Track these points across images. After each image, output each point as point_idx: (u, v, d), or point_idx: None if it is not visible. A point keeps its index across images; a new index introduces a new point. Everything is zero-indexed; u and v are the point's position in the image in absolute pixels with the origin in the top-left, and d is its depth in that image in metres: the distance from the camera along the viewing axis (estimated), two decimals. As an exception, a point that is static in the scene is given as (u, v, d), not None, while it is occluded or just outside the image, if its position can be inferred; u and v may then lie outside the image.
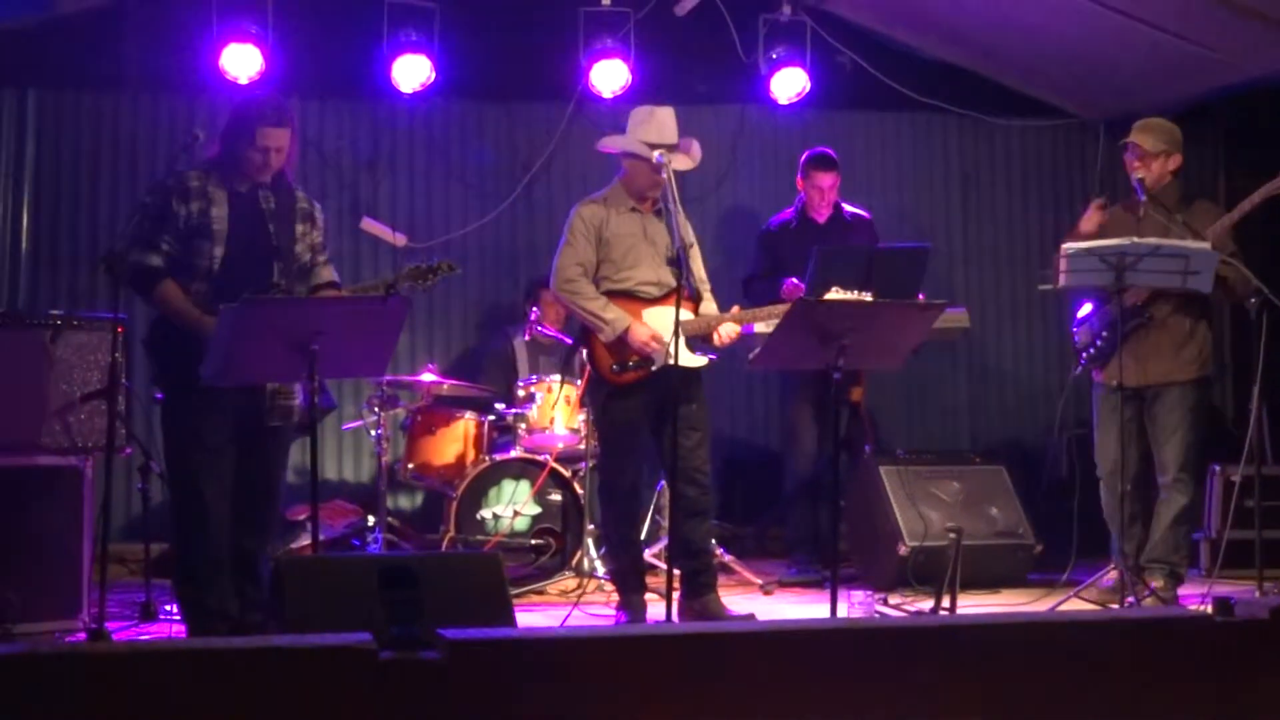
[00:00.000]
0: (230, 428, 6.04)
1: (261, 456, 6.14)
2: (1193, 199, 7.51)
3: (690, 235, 7.01)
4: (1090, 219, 7.33)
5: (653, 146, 6.75)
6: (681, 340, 6.59)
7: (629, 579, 6.89)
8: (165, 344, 6.04)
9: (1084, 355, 7.40)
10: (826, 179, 8.63)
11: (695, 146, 6.91)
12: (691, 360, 6.72)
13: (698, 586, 6.83)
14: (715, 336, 6.81)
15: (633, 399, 6.72)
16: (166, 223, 5.97)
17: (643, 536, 7.40)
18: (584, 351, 6.93)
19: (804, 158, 8.76)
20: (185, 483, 6.07)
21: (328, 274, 6.31)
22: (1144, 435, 7.30)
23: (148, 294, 5.99)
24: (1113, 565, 6.93)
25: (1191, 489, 7.33)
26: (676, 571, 6.64)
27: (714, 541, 7.42)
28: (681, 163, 6.82)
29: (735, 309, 6.93)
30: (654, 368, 6.63)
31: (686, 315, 6.70)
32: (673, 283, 6.72)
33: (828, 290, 6.69)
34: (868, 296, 6.53)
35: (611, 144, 6.97)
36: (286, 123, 6.09)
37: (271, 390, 6.05)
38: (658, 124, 6.83)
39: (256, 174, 6.07)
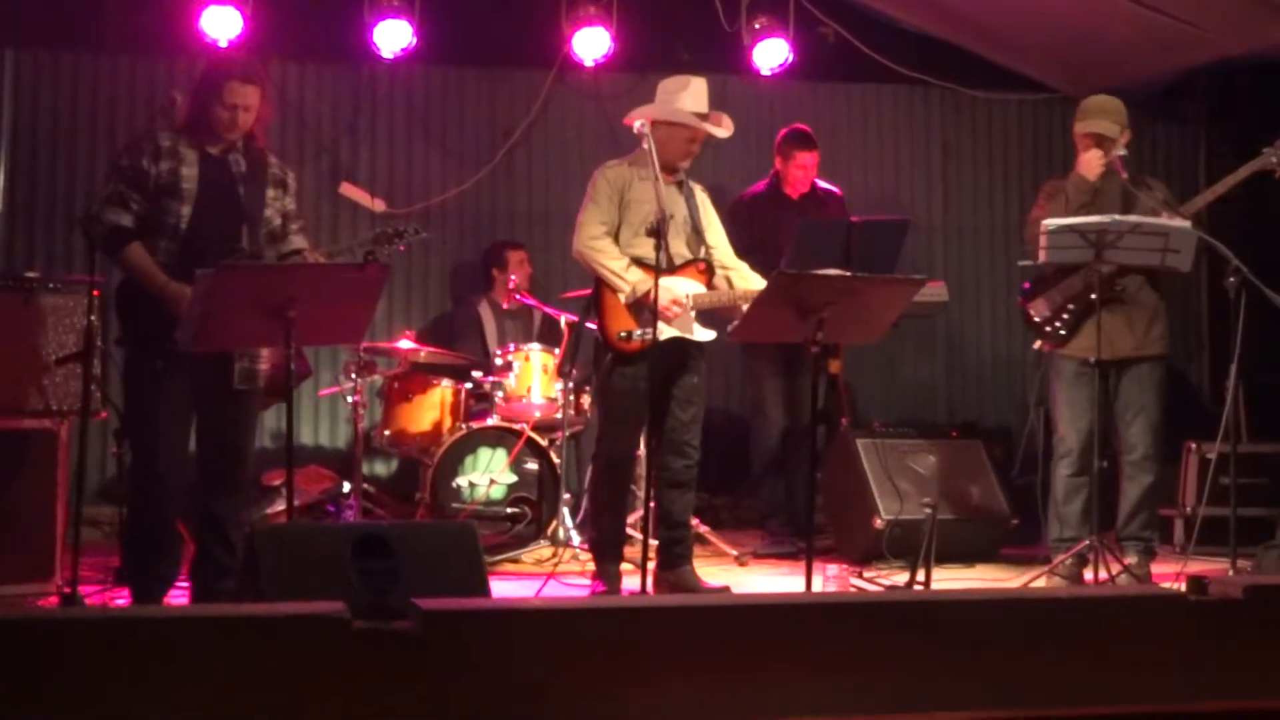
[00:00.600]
0: (193, 390, 6.01)
1: (226, 420, 6.12)
2: (1143, 175, 7.53)
3: (712, 216, 6.98)
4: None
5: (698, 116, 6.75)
6: (694, 313, 6.64)
7: (608, 549, 6.86)
8: (131, 302, 6.01)
9: (1047, 329, 7.37)
10: (809, 158, 8.62)
11: (726, 118, 6.87)
12: (699, 334, 6.69)
13: (673, 557, 6.83)
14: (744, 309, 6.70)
15: (637, 367, 6.61)
16: (138, 182, 5.95)
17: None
18: (595, 315, 6.82)
19: (783, 135, 8.73)
20: (141, 443, 6.08)
21: (299, 241, 6.26)
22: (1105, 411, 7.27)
23: (115, 254, 5.96)
24: (1086, 541, 6.92)
25: (1159, 466, 7.34)
26: (653, 542, 6.63)
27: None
28: (723, 131, 6.82)
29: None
30: (662, 338, 6.53)
31: (700, 288, 6.71)
32: (688, 254, 6.76)
33: (809, 265, 6.68)
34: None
35: (647, 112, 6.81)
36: (255, 81, 6.05)
37: (238, 352, 6.02)
38: (694, 93, 6.79)
39: (225, 132, 6.03)
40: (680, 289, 6.63)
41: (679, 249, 6.75)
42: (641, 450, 7.32)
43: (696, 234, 6.85)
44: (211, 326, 5.54)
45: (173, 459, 6.04)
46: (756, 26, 9.56)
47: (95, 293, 6.07)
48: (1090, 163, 7.14)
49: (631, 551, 7.31)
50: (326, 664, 3.93)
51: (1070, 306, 7.24)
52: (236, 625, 4.01)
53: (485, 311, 9.13)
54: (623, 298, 6.61)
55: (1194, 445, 8.60)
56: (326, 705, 3.90)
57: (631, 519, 7.83)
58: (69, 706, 3.74)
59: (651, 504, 6.53)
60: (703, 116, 6.77)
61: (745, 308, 6.50)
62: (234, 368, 6.01)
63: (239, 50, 8.41)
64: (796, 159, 8.61)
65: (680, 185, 6.86)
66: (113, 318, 6.19)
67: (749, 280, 6.85)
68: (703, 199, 6.96)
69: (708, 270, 6.82)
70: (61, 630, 3.90)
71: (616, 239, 6.72)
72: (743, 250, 8.22)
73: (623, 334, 6.60)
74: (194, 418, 6.10)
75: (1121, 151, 7.08)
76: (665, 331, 6.55)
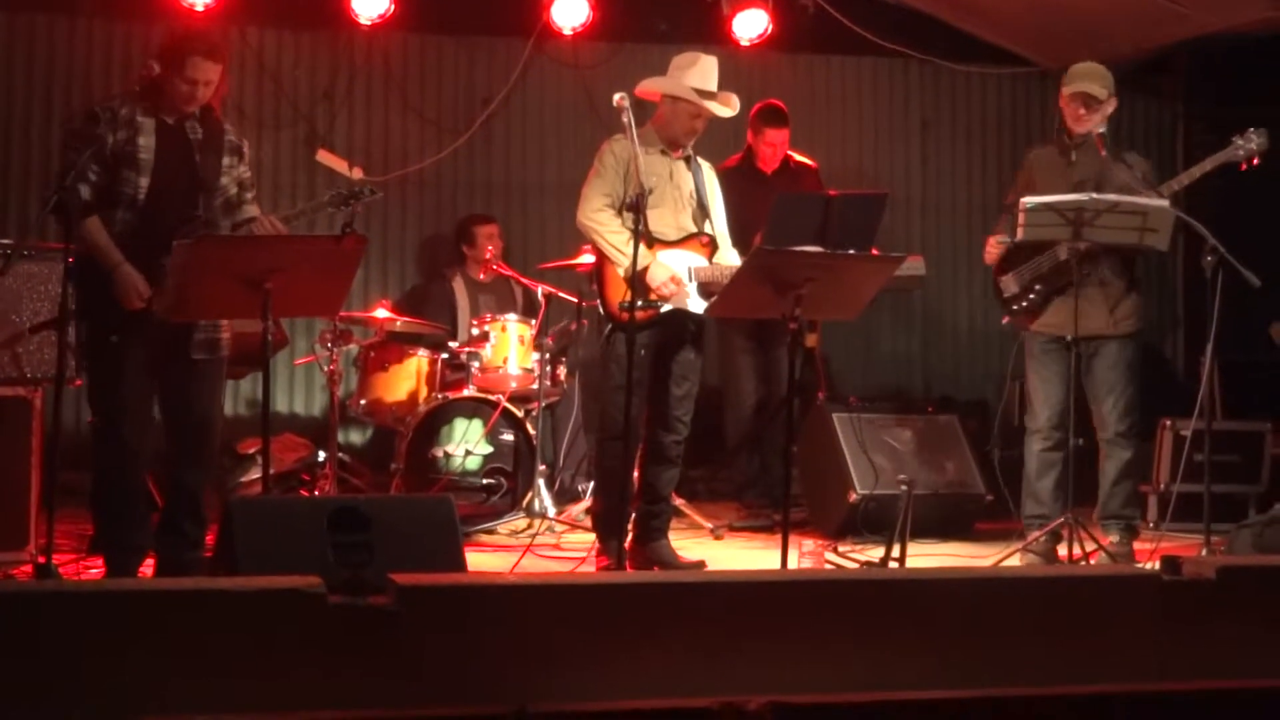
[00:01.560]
0: (155, 359, 6.00)
1: (189, 390, 6.10)
2: (1122, 150, 7.54)
3: (717, 193, 6.96)
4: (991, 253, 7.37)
5: (701, 93, 6.71)
6: (694, 285, 6.62)
7: (612, 523, 6.67)
8: (88, 276, 5.96)
9: (1015, 306, 7.40)
10: (779, 135, 8.60)
11: (734, 99, 6.85)
12: (699, 307, 6.66)
13: (650, 531, 6.81)
14: None
15: (638, 337, 6.47)
16: (96, 153, 5.90)
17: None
18: (596, 286, 6.80)
19: (756, 110, 8.69)
20: (104, 414, 6.07)
21: (252, 210, 6.22)
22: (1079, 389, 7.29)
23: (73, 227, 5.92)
24: (1061, 519, 6.94)
25: (1134, 443, 7.36)
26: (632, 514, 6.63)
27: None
28: (726, 111, 6.80)
29: None
30: (664, 309, 6.54)
31: (703, 262, 6.71)
32: (692, 227, 6.75)
33: (786, 239, 6.66)
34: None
35: (653, 85, 6.81)
36: (219, 58, 6.01)
37: (197, 323, 6.01)
38: (702, 71, 6.76)
39: (183, 104, 5.99)
40: (681, 263, 6.62)
41: (683, 223, 6.76)
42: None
43: (702, 209, 6.84)
44: (188, 297, 5.53)
45: (136, 429, 6.03)
46: (736, -4, 9.53)
47: (70, 259, 6.02)
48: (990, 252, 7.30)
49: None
50: (302, 638, 3.93)
51: (1037, 286, 7.26)
52: (211, 599, 4.00)
53: (459, 286, 9.10)
54: (622, 272, 6.55)
55: (1169, 422, 8.63)
56: (302, 679, 3.91)
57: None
58: (41, 680, 3.73)
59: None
60: (709, 95, 6.74)
61: None
62: (192, 338, 5.99)
63: (203, 23, 8.36)
64: (766, 136, 8.59)
65: (688, 161, 6.86)
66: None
67: (725, 254, 6.85)
68: (710, 176, 6.95)
69: (711, 244, 6.81)
70: (33, 603, 3.90)
71: (620, 212, 6.67)
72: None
73: (624, 304, 6.55)
74: (156, 387, 6.08)
75: (1101, 129, 7.08)
76: (665, 304, 6.58)
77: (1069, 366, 7.06)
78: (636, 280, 6.41)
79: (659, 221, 6.66)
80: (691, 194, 6.81)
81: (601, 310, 6.75)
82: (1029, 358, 7.39)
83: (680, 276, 6.60)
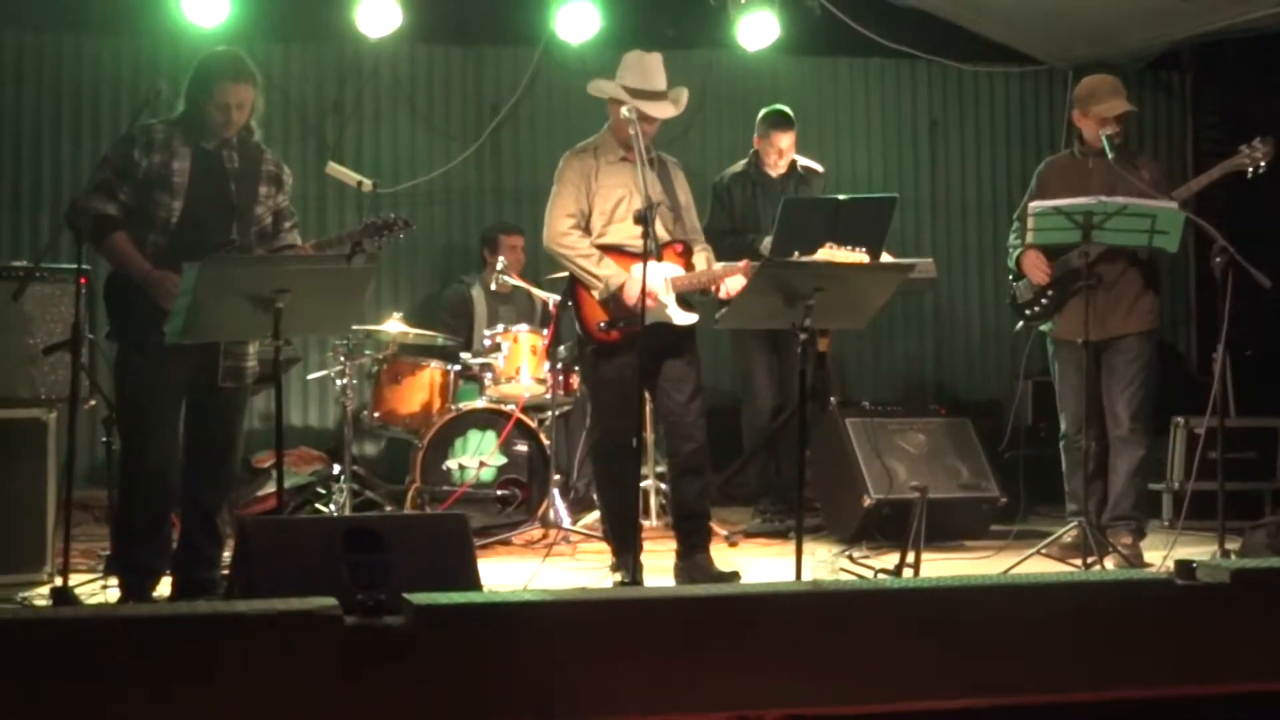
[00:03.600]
0: (183, 384, 6.04)
1: (215, 414, 6.15)
2: (1136, 153, 7.55)
3: (685, 191, 6.85)
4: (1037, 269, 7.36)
5: (635, 92, 6.55)
6: (673, 297, 6.53)
7: (621, 540, 6.65)
8: (120, 296, 6.01)
9: (1028, 311, 7.42)
10: (785, 138, 8.54)
11: (684, 95, 6.70)
12: (681, 318, 6.57)
13: (687, 547, 6.71)
14: (721, 290, 6.62)
15: (621, 355, 6.48)
16: (127, 173, 5.95)
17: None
18: (571, 308, 6.73)
19: (761, 115, 8.68)
20: (133, 436, 6.09)
21: (292, 239, 6.25)
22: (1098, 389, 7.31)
23: (100, 242, 5.96)
24: (1075, 523, 6.95)
25: (1146, 441, 7.37)
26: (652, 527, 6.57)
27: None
28: (661, 110, 6.61)
29: (745, 263, 6.65)
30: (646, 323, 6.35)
31: (678, 270, 6.60)
32: (665, 236, 6.60)
33: (794, 243, 6.66)
34: (863, 256, 6.42)
35: (597, 89, 6.75)
36: (247, 78, 6.04)
37: (224, 350, 6.04)
38: (643, 70, 6.64)
39: (220, 131, 6.03)
40: (655, 275, 6.44)
41: (657, 232, 6.51)
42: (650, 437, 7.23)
43: (672, 213, 6.70)
44: (199, 318, 5.53)
45: (164, 452, 6.06)
46: (743, 1, 9.52)
47: (83, 280, 6.05)
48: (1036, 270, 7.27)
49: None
50: (318, 661, 3.94)
51: (1050, 291, 7.28)
52: (227, 623, 4.01)
53: (477, 294, 9.12)
54: (596, 294, 6.52)
55: (1181, 420, 8.63)
56: (319, 702, 3.91)
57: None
58: (57, 708, 3.74)
59: (656, 488, 6.46)
60: (650, 94, 6.58)
61: (724, 282, 6.51)
62: (220, 364, 6.02)
63: (230, 41, 8.36)
64: (772, 139, 8.55)
65: (652, 163, 6.64)
66: (100, 307, 6.20)
67: (701, 257, 6.76)
68: (677, 173, 6.82)
69: (686, 251, 6.70)
70: (50, 630, 3.91)
71: (589, 226, 6.62)
72: (725, 231, 8.21)
73: (602, 324, 6.51)
74: (183, 409, 6.11)
75: (1110, 131, 7.08)
76: (646, 319, 6.36)
77: (1096, 368, 7.11)
78: (612, 300, 6.42)
79: (625, 233, 6.52)
80: (662, 197, 6.63)
81: (579, 332, 6.68)
82: (1055, 365, 7.44)
83: (657, 288, 6.47)
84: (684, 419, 6.69)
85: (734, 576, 6.66)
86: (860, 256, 6.48)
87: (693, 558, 6.71)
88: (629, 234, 6.47)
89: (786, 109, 8.70)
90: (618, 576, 6.66)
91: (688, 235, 6.78)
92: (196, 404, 6.12)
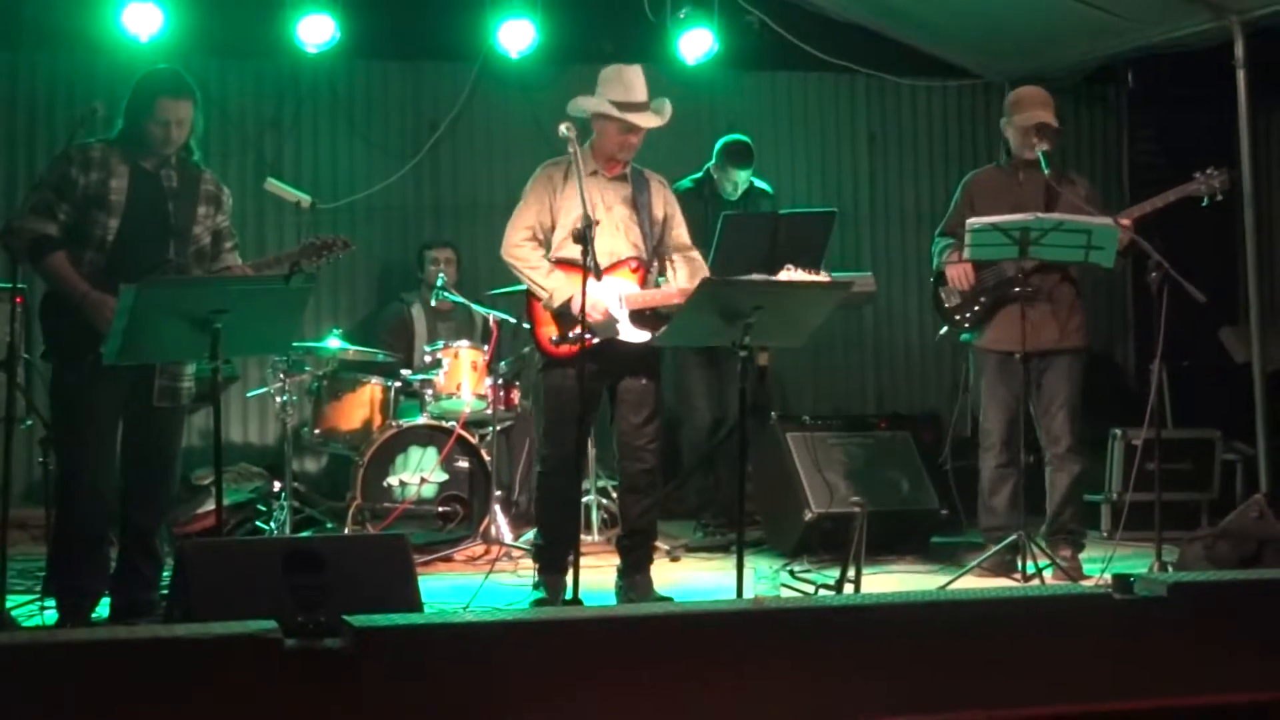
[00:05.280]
0: (118, 404, 6.03)
1: (151, 434, 6.14)
2: (1066, 169, 7.63)
3: (665, 205, 6.83)
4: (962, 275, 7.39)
5: (621, 105, 6.58)
6: (625, 313, 6.52)
7: (551, 558, 6.67)
8: (57, 316, 5.98)
9: (956, 316, 7.46)
10: (744, 175, 8.61)
11: (666, 105, 6.72)
12: (632, 335, 6.54)
13: (629, 565, 6.73)
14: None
15: (571, 370, 6.42)
16: (64, 191, 5.93)
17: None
18: (526, 323, 6.76)
19: (722, 145, 8.69)
20: (68, 456, 6.08)
21: (231, 260, 6.24)
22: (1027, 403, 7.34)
23: (38, 262, 5.94)
24: (1014, 536, 7.00)
25: (1084, 456, 7.44)
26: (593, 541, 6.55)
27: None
28: (649, 120, 6.64)
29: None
30: (595, 340, 6.35)
31: (633, 287, 6.58)
32: (621, 252, 6.59)
33: (735, 259, 6.67)
34: (824, 278, 6.46)
35: (580, 105, 6.69)
36: (187, 94, 6.04)
37: (160, 370, 6.02)
38: (624, 83, 6.65)
39: (160, 148, 6.02)
40: (608, 292, 6.46)
41: (612, 247, 6.55)
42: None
43: (639, 229, 6.68)
44: (137, 340, 5.51)
45: (100, 472, 6.03)
46: (681, 15, 9.53)
47: (18, 300, 6.02)
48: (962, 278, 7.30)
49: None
50: (258, 684, 3.92)
51: (982, 298, 7.32)
52: (166, 647, 3.99)
53: (416, 311, 9.09)
54: (545, 305, 6.53)
55: (1119, 432, 8.70)
56: (260, 726, 3.90)
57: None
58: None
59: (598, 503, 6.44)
60: (634, 106, 6.62)
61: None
62: (154, 385, 5.98)
63: (168, 58, 8.32)
64: (730, 174, 8.61)
65: (625, 178, 6.71)
66: (37, 329, 6.16)
67: (697, 271, 6.76)
68: (658, 189, 6.81)
69: (642, 267, 6.68)
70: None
71: (549, 240, 6.62)
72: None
73: (554, 338, 6.52)
74: (120, 429, 6.07)
75: (1044, 147, 7.12)
76: (597, 334, 6.43)
77: (1020, 382, 7.12)
78: (561, 313, 6.42)
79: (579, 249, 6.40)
80: (628, 215, 6.65)
81: (533, 344, 6.70)
82: (980, 375, 7.46)
83: (608, 305, 6.47)
84: (636, 441, 6.68)
85: (665, 601, 6.63)
86: (821, 279, 6.50)
87: (633, 576, 6.73)
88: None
89: (747, 140, 8.71)
90: (539, 594, 6.67)
91: (664, 251, 6.78)
92: (132, 424, 6.10)
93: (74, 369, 5.92)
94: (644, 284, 6.67)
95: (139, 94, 6.02)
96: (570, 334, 6.43)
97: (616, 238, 6.62)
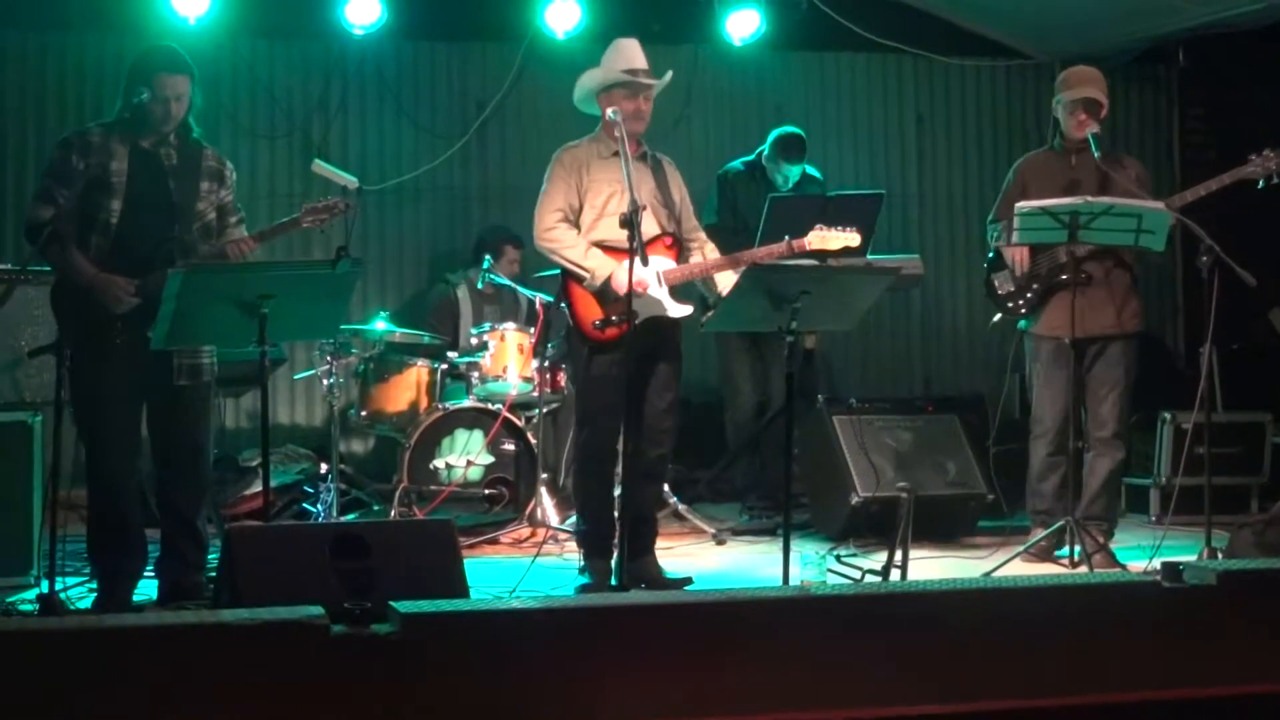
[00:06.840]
0: (139, 386, 6.02)
1: (177, 415, 6.12)
2: (1118, 152, 7.56)
3: (680, 188, 6.81)
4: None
5: (632, 73, 6.58)
6: (665, 290, 6.51)
7: (596, 543, 6.66)
8: (66, 302, 5.98)
9: (1009, 304, 7.40)
10: (796, 170, 8.58)
11: (668, 75, 6.70)
12: (676, 310, 6.54)
13: (634, 549, 6.60)
14: (714, 284, 6.64)
15: (614, 355, 6.42)
16: (65, 178, 5.94)
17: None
18: (565, 307, 6.68)
19: (775, 138, 8.64)
20: (91, 441, 6.08)
21: (238, 234, 6.21)
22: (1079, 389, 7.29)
23: (45, 250, 5.94)
24: (1061, 522, 6.96)
25: (1127, 442, 7.41)
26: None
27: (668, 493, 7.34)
28: (659, 81, 6.63)
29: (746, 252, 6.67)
30: (637, 321, 6.28)
31: (669, 263, 6.57)
32: (655, 230, 6.55)
33: (781, 239, 6.64)
34: (854, 236, 6.48)
35: (589, 80, 6.70)
36: (184, 70, 6.03)
37: (178, 348, 6.00)
38: (629, 55, 6.63)
39: (160, 125, 6.01)
40: (648, 270, 6.42)
41: (647, 226, 6.44)
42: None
43: (665, 208, 6.67)
44: (185, 324, 5.54)
45: (120, 455, 6.05)
46: (729, -6, 9.52)
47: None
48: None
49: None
50: (305, 670, 3.94)
51: (1034, 285, 7.27)
52: (213, 633, 4.00)
53: (463, 293, 9.09)
54: (586, 285, 6.49)
55: (1169, 415, 8.63)
56: (305, 711, 3.91)
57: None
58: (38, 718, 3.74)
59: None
60: (642, 72, 6.59)
61: (717, 275, 6.53)
62: (175, 363, 6.00)
63: (195, 36, 8.40)
64: (781, 167, 8.58)
65: (644, 158, 6.69)
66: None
67: (713, 250, 6.78)
68: (671, 170, 6.81)
69: (676, 244, 6.67)
70: (35, 641, 3.90)
71: (579, 221, 6.58)
72: (731, 230, 8.17)
73: (597, 323, 6.46)
74: (143, 411, 6.10)
75: (1094, 128, 7.06)
76: (640, 311, 6.37)
77: (1074, 369, 7.08)
78: (603, 292, 6.40)
79: (613, 230, 6.37)
80: (654, 193, 6.63)
81: (572, 327, 6.63)
82: (1035, 361, 7.40)
83: (649, 280, 6.46)
84: (660, 424, 6.67)
85: (686, 582, 6.70)
86: (851, 237, 6.53)
87: (641, 559, 6.67)
88: (618, 231, 6.33)
89: (800, 134, 8.65)
90: (585, 580, 6.67)
91: (682, 231, 6.76)
92: (157, 405, 6.11)
93: (87, 353, 5.90)
94: (678, 260, 6.67)
95: (136, 72, 6.01)
96: (614, 316, 6.40)
97: (649, 217, 6.54)
